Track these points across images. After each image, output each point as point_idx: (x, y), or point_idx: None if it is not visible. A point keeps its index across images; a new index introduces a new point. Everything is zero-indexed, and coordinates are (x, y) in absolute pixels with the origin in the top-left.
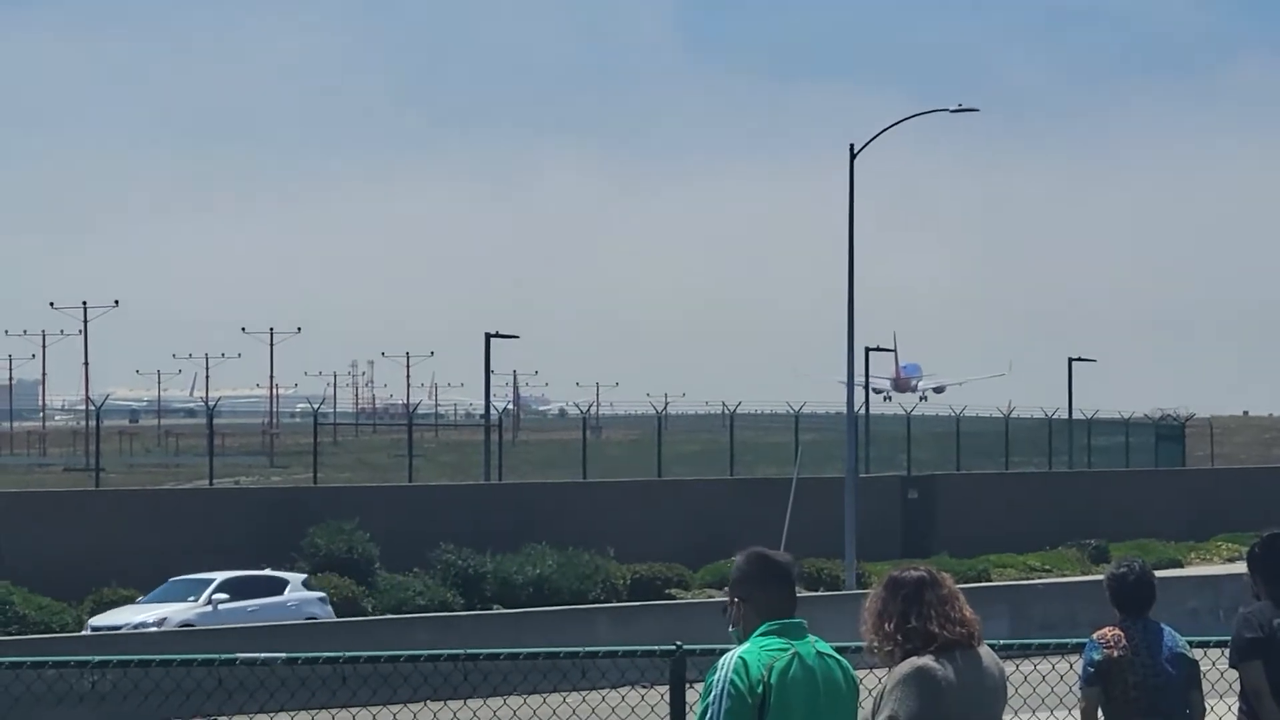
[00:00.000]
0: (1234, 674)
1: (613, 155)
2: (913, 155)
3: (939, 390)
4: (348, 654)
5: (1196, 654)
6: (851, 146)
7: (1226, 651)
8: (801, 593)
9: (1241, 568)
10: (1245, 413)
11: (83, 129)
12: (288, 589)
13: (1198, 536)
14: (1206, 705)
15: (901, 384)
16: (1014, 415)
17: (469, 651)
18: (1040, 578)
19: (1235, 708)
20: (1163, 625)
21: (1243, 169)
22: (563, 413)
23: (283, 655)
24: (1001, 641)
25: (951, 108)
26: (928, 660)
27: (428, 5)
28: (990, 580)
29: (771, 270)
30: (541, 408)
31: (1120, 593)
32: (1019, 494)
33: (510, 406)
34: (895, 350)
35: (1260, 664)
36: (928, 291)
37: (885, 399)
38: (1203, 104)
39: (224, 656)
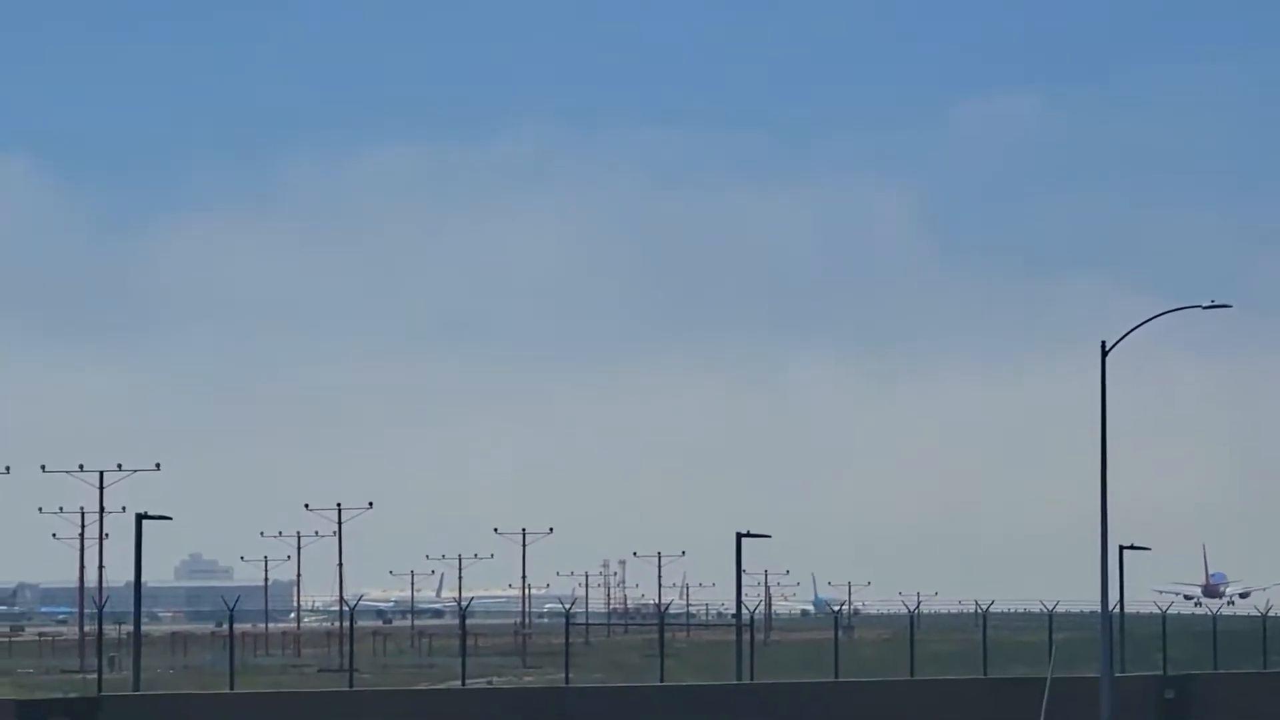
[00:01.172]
0: None
1: (863, 355)
2: (1167, 353)
3: (1244, 595)
4: None
5: None
6: (1103, 344)
7: None
8: None
9: None
10: None
11: (331, 331)
12: None
13: None
14: None
15: (1210, 590)
16: (1272, 613)
17: None
18: None
19: None
20: None
21: None
22: (966, 614)
23: None
24: None
25: (1204, 304)
26: None
27: (676, 208)
28: None
29: (1026, 468)
30: (931, 610)
31: None
32: (1279, 693)
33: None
34: (1205, 559)
35: None
36: (1187, 488)
37: (1196, 604)
38: None
39: None
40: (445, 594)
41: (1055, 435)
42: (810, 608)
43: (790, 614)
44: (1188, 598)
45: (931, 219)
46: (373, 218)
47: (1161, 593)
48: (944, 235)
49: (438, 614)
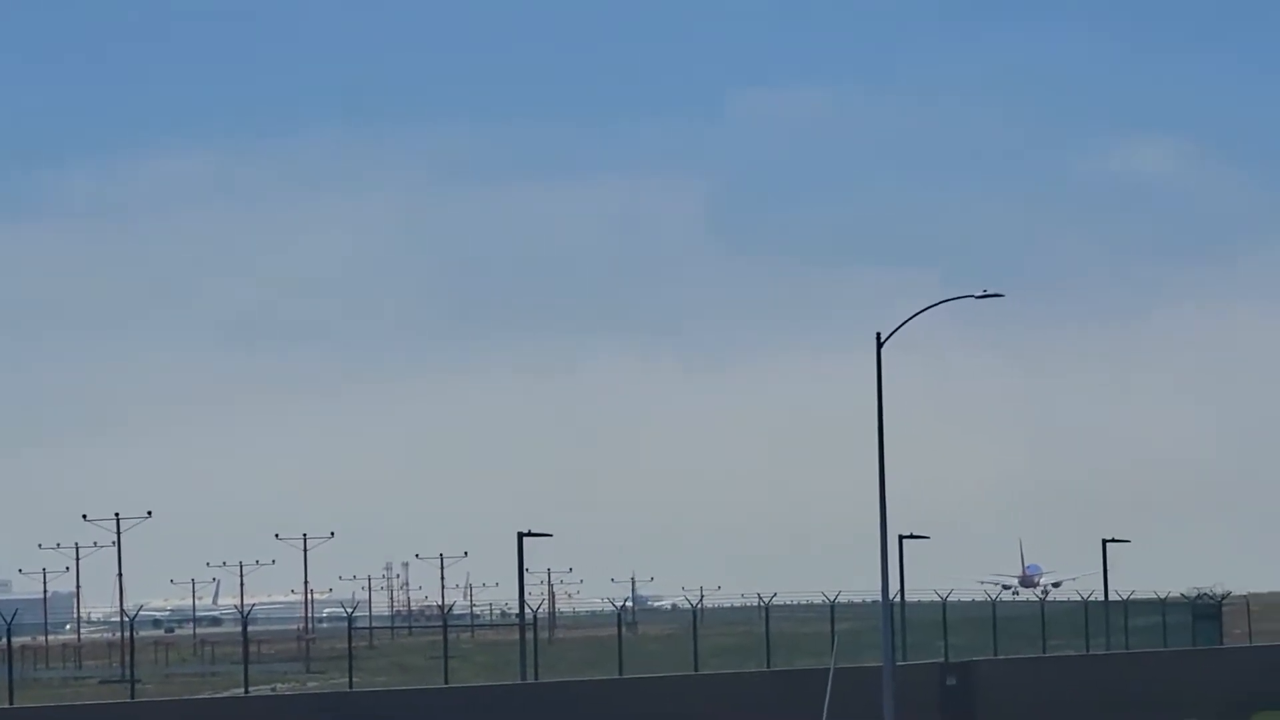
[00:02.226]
0: None
1: (650, 349)
2: (945, 339)
3: (1057, 585)
4: None
5: None
6: (878, 335)
7: None
8: None
9: None
10: None
11: (109, 337)
12: None
13: (1237, 714)
14: None
15: (1026, 581)
16: (1050, 598)
17: None
18: None
19: None
20: None
21: (1275, 347)
22: (675, 608)
23: None
24: None
25: (977, 294)
26: None
27: (460, 206)
28: None
29: (807, 458)
30: (656, 604)
31: None
32: (1058, 677)
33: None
34: (1021, 551)
35: None
36: (964, 475)
37: (1014, 594)
38: (1238, 283)
39: None
40: (223, 601)
41: (839, 426)
42: (629, 602)
43: (576, 611)
44: (1006, 587)
45: (716, 211)
46: (155, 221)
47: (982, 583)
48: (729, 227)
49: (215, 621)
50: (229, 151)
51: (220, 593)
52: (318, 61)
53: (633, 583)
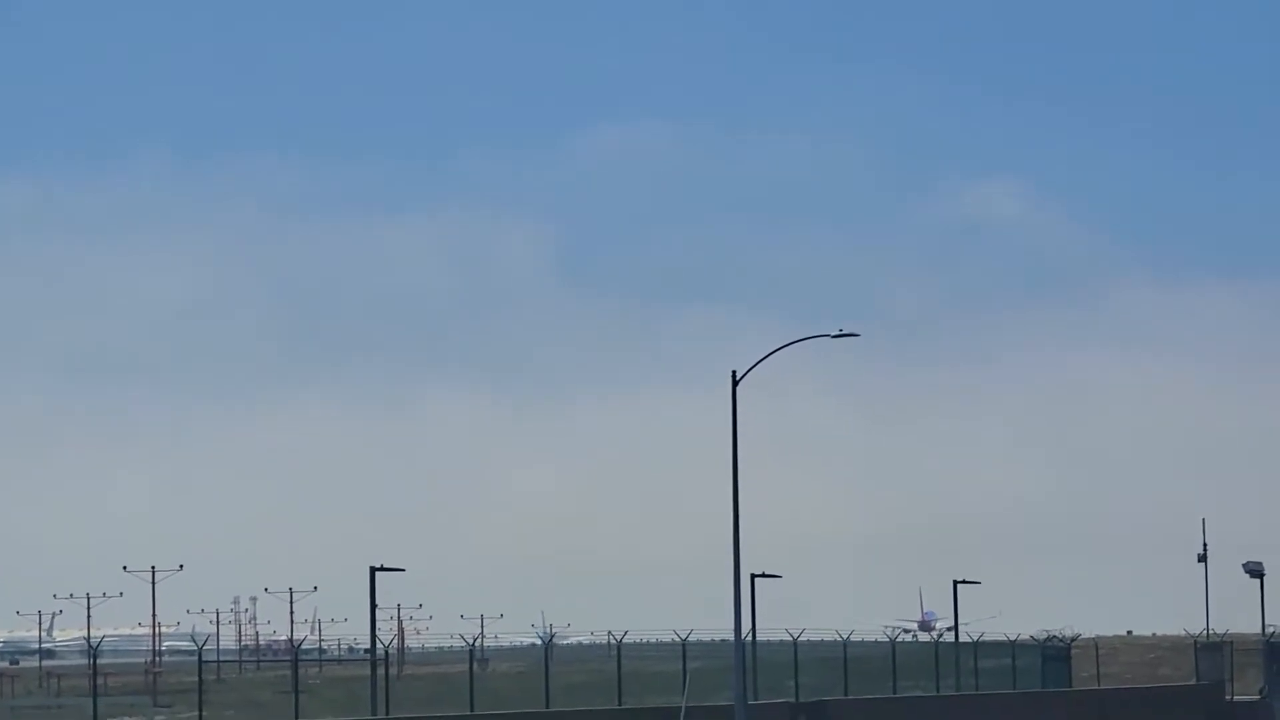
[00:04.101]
0: None
1: (495, 385)
2: (801, 377)
3: (950, 629)
4: None
5: None
6: (734, 374)
7: None
8: None
9: None
10: (1129, 632)
11: None
12: None
13: None
14: None
15: (925, 625)
16: (900, 639)
17: None
18: None
19: None
20: None
21: (1121, 391)
22: (599, 645)
23: None
24: None
25: (832, 333)
26: None
27: (302, 239)
28: None
29: (659, 497)
30: (564, 641)
31: None
32: (908, 717)
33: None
34: (921, 597)
35: None
36: (815, 515)
37: (913, 637)
38: (1085, 326)
39: None
40: (58, 634)
41: (689, 463)
42: (537, 641)
43: (425, 648)
44: (906, 631)
45: (560, 248)
46: None
47: (886, 627)
48: (574, 263)
49: (49, 654)
50: (55, 179)
51: (54, 625)
52: (149, 89)
53: (543, 617)
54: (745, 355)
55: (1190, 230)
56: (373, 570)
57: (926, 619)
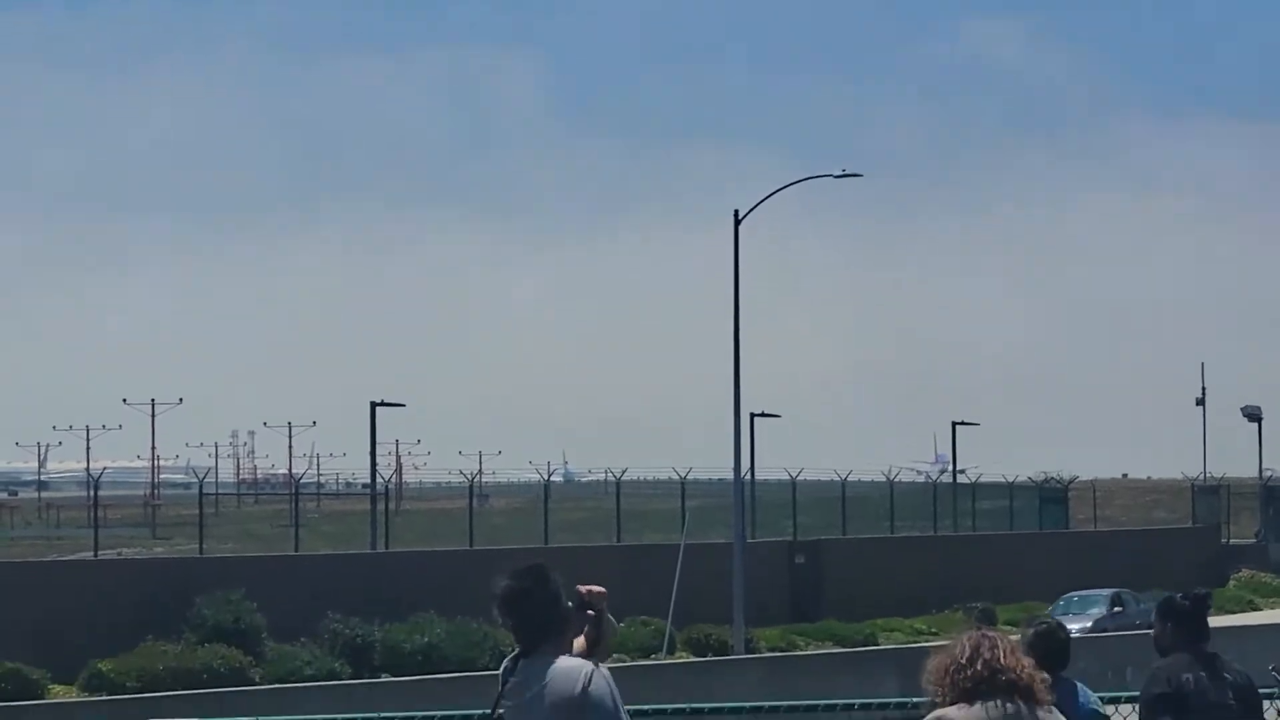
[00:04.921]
0: None
1: (494, 224)
2: (800, 218)
3: (962, 472)
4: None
5: (1108, 710)
6: (736, 213)
7: (1137, 708)
8: (689, 659)
9: (1127, 630)
10: (1125, 475)
11: None
12: None
13: None
14: None
15: (936, 466)
16: (898, 479)
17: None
18: (927, 641)
19: None
20: (1076, 681)
21: (1122, 233)
22: (598, 483)
23: None
24: (894, 700)
25: (835, 173)
26: (950, 711)
27: (301, 75)
28: (878, 644)
29: (658, 336)
30: (584, 479)
31: (1044, 649)
32: (905, 558)
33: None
34: (935, 441)
35: None
36: (814, 356)
37: (926, 478)
38: (1083, 169)
39: None
40: (54, 465)
41: (688, 303)
42: (560, 479)
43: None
44: (919, 473)
45: (561, 84)
46: None
47: (902, 469)
48: (574, 101)
49: (42, 486)
50: (58, 14)
51: (49, 458)
52: None
53: (563, 455)
54: (747, 195)
55: (1193, 71)
56: (373, 405)
57: (939, 461)
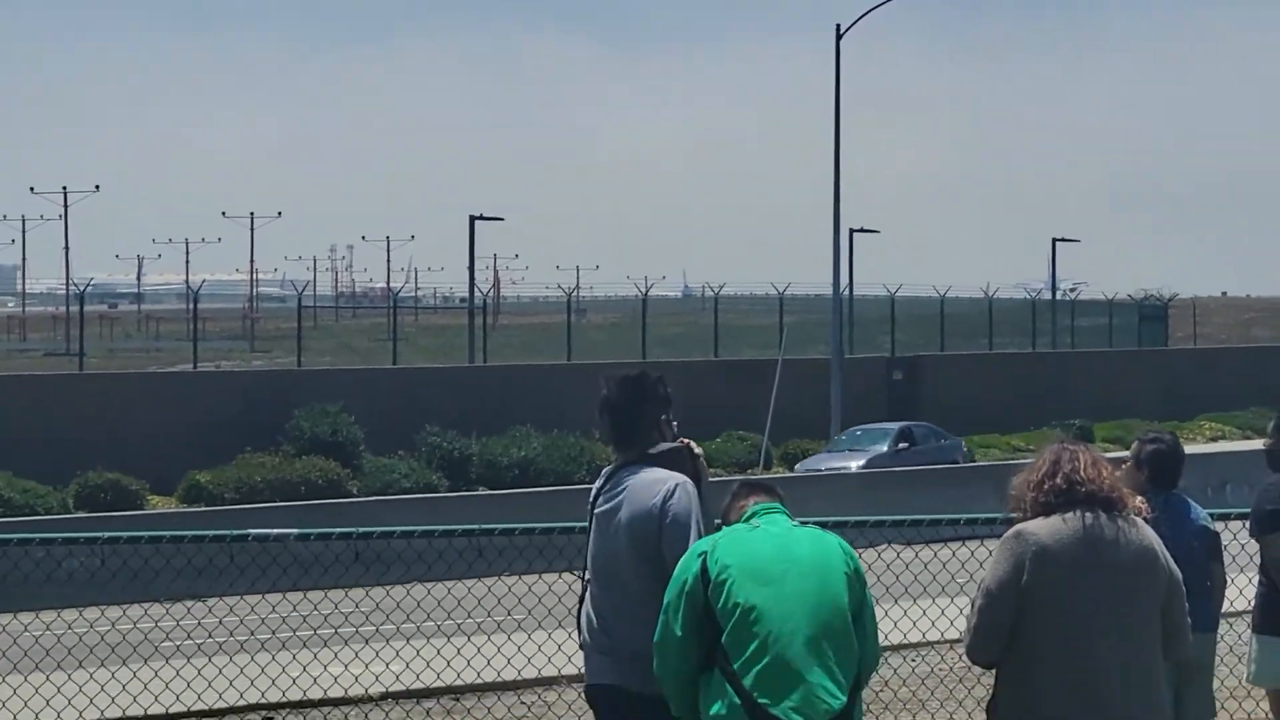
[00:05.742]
0: (1255, 546)
1: (594, 38)
2: (901, 37)
3: (1073, 289)
4: (362, 529)
5: (1218, 526)
6: (838, 27)
7: (1247, 524)
8: (785, 473)
9: (1225, 446)
10: (1224, 293)
11: (60, 13)
12: None
13: (1180, 416)
14: (1228, 577)
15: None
16: (997, 296)
17: (495, 526)
18: (1024, 457)
19: (1255, 580)
20: (1186, 497)
21: (1227, 50)
22: (696, 298)
23: (294, 531)
24: (1000, 516)
25: None
26: (1029, 524)
27: None
28: (975, 461)
29: (758, 152)
30: (660, 295)
31: (1157, 465)
32: (1002, 375)
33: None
34: (1053, 257)
35: None
36: (915, 174)
37: (1037, 294)
38: None
39: (236, 533)
40: (153, 278)
41: (789, 118)
42: (678, 293)
43: (520, 298)
44: (1033, 290)
45: None
46: None
47: (1016, 285)
48: None
49: (140, 298)
50: None
51: (147, 271)
52: None
53: (684, 275)
54: (851, 10)
55: None
56: (471, 219)
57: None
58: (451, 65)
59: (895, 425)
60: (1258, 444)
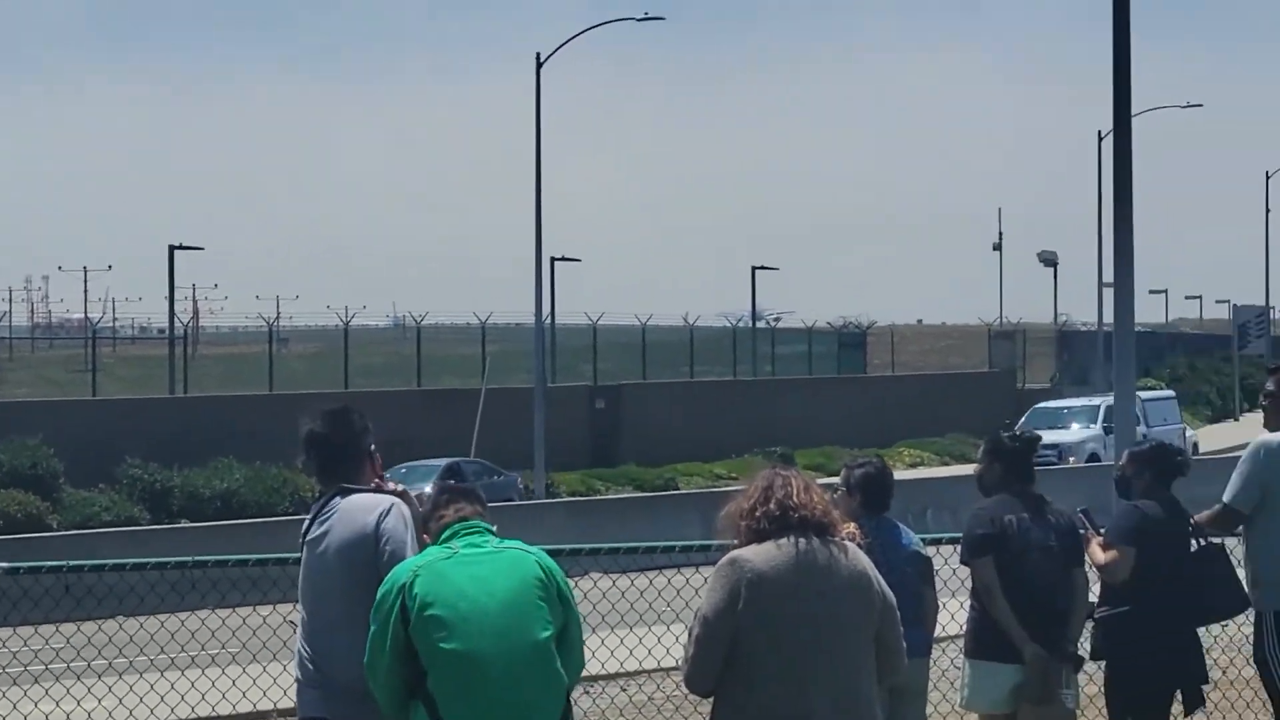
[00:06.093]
0: (965, 571)
1: (301, 68)
2: (603, 65)
3: (776, 319)
4: (73, 563)
5: (929, 551)
6: (538, 55)
7: (958, 549)
8: (490, 502)
9: (925, 472)
10: (920, 321)
11: None
12: None
13: (880, 443)
14: (939, 602)
15: (756, 315)
16: (698, 324)
17: (209, 558)
18: (727, 485)
19: (967, 605)
20: (897, 522)
21: (920, 80)
22: (396, 328)
23: (4, 565)
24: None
25: (638, 16)
26: (743, 551)
27: None
28: (678, 488)
29: (462, 182)
30: (360, 325)
31: (867, 489)
32: (704, 403)
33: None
34: (754, 285)
35: (991, 560)
36: (616, 203)
37: (739, 322)
38: (883, 11)
39: None
40: None
41: (490, 148)
42: (387, 323)
43: (219, 329)
44: (738, 320)
45: None
46: None
47: (719, 315)
48: None
49: None
50: None
51: None
52: None
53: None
54: (549, 38)
55: None
56: (171, 249)
57: (759, 310)
58: (146, 90)
59: (442, 461)
60: (956, 470)
